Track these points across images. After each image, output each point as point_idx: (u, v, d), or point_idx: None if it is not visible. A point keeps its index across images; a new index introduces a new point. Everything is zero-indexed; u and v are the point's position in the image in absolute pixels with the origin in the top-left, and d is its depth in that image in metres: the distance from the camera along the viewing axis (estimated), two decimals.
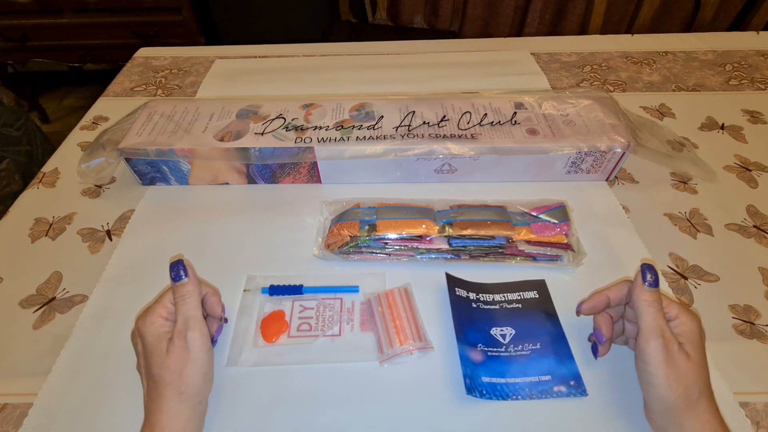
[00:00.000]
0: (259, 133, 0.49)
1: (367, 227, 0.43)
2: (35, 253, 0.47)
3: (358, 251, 0.43)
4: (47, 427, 0.34)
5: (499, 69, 0.73)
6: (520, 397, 0.34)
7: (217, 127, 0.50)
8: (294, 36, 1.54)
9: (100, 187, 0.54)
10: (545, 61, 0.76)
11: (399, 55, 0.78)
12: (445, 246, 0.43)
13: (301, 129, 0.49)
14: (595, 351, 0.36)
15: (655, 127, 0.54)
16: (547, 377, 0.35)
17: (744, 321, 0.40)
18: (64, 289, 0.43)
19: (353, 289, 0.42)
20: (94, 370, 0.37)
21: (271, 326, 0.39)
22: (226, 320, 0.39)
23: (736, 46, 0.79)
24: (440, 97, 0.54)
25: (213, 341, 0.36)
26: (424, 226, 0.43)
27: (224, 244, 0.46)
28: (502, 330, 0.38)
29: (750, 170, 0.54)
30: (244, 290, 0.42)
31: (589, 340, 0.37)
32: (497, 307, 0.40)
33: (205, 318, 0.36)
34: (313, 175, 0.52)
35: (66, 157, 0.59)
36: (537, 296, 0.41)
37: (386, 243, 0.43)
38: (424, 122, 0.50)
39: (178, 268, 0.34)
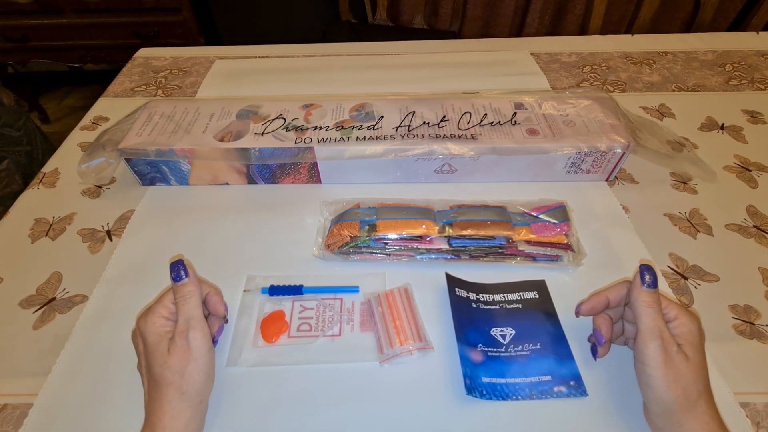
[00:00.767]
0: (259, 134, 0.49)
1: (367, 227, 0.43)
2: (35, 253, 0.47)
3: (358, 251, 0.43)
4: (47, 427, 0.34)
5: (499, 69, 0.73)
6: (520, 397, 0.34)
7: (217, 128, 0.50)
8: (294, 36, 1.54)
9: (100, 187, 0.54)
10: (545, 61, 0.76)
11: (399, 55, 0.78)
12: (445, 246, 0.43)
13: (301, 129, 0.49)
14: (594, 352, 0.36)
15: (655, 128, 0.54)
16: (547, 377, 0.35)
17: (744, 321, 0.40)
18: (64, 289, 0.43)
19: (353, 290, 0.42)
20: (94, 370, 0.37)
21: (271, 326, 0.39)
22: (226, 320, 0.39)
23: (736, 47, 0.79)
24: (440, 98, 0.54)
25: (214, 341, 0.36)
26: (424, 226, 0.43)
27: (224, 244, 0.47)
28: (502, 330, 0.38)
29: (750, 170, 0.55)
30: (244, 290, 0.42)
31: (589, 341, 0.37)
32: (497, 307, 0.40)
33: (206, 318, 0.36)
34: (313, 175, 0.52)
35: (66, 158, 0.59)
36: (537, 296, 0.41)
37: (386, 243, 0.43)
38: (424, 122, 0.50)
39: (178, 269, 0.34)
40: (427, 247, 0.43)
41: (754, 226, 0.48)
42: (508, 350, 0.37)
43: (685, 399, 0.28)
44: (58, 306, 0.42)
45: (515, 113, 0.51)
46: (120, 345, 0.38)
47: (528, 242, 0.42)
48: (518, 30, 1.51)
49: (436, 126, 0.50)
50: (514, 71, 0.73)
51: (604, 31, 1.31)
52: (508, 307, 0.40)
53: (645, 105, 0.66)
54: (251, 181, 0.53)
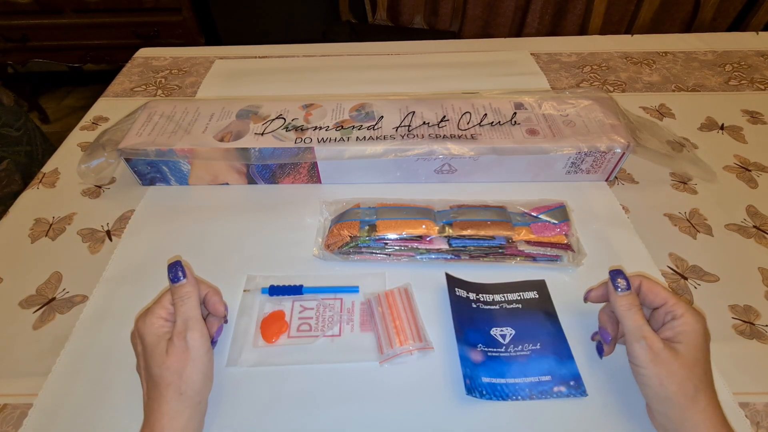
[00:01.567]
0: (259, 134, 0.49)
1: (367, 227, 0.43)
2: (35, 253, 0.47)
3: (358, 251, 0.43)
4: (47, 428, 0.34)
5: (499, 69, 0.73)
6: (520, 397, 0.34)
7: (217, 128, 0.50)
8: (294, 36, 1.54)
9: (100, 187, 0.54)
10: (545, 61, 0.76)
11: (399, 55, 0.78)
12: (445, 246, 0.43)
13: (301, 129, 0.49)
14: (600, 350, 0.36)
15: (655, 128, 0.54)
16: (547, 377, 0.35)
17: (744, 321, 0.40)
18: (64, 289, 0.43)
19: (353, 290, 0.42)
20: (94, 370, 0.37)
21: (271, 326, 0.39)
22: (226, 320, 0.39)
23: (736, 47, 0.79)
24: (440, 98, 0.54)
25: (213, 342, 0.36)
26: (424, 226, 0.43)
27: (224, 244, 0.47)
28: (502, 330, 0.38)
29: (750, 170, 0.55)
30: (244, 290, 0.42)
31: (593, 339, 0.38)
32: (497, 307, 0.40)
33: (205, 318, 0.36)
34: (313, 175, 0.52)
35: (66, 158, 0.59)
36: (537, 296, 0.41)
37: (386, 243, 0.43)
38: (424, 122, 0.50)
39: (176, 270, 0.34)
40: (427, 247, 0.43)
41: (754, 226, 0.48)
42: (508, 350, 0.37)
43: (683, 395, 0.29)
44: (58, 306, 0.42)
45: (515, 113, 0.51)
46: (120, 345, 0.38)
47: (528, 242, 0.42)
48: (518, 30, 1.51)
49: (436, 126, 0.50)
50: (514, 71, 0.73)
51: (604, 31, 1.31)
52: (508, 307, 0.40)
53: (645, 105, 0.66)
54: (251, 181, 0.53)
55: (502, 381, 0.35)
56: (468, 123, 0.50)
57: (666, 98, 0.67)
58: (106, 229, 0.49)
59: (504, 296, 0.41)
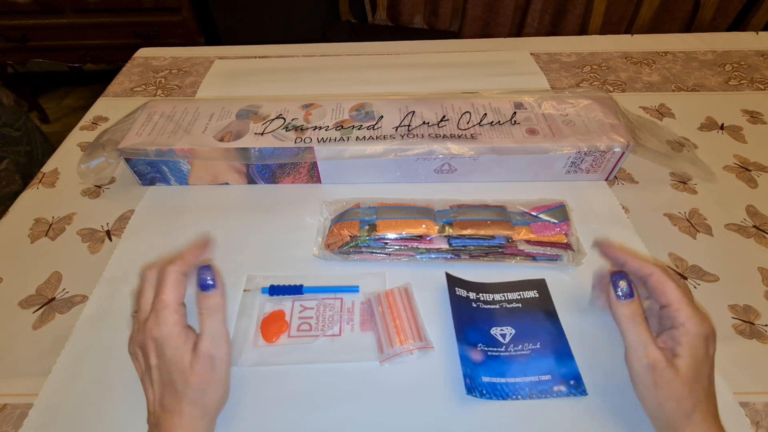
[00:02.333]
0: (259, 133, 0.49)
1: (367, 227, 0.43)
2: (35, 253, 0.47)
3: (358, 251, 0.43)
4: (47, 428, 0.34)
5: (498, 69, 0.73)
6: (520, 396, 0.34)
7: (217, 127, 0.50)
8: (294, 36, 1.54)
9: (99, 187, 0.54)
10: (545, 61, 0.76)
11: (399, 55, 0.78)
12: (445, 246, 0.43)
13: (301, 129, 0.49)
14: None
15: (655, 127, 0.54)
16: (547, 377, 0.35)
17: (744, 321, 0.40)
18: (63, 289, 0.43)
19: (353, 289, 0.42)
20: (94, 370, 0.37)
21: (272, 326, 0.39)
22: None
23: (736, 47, 0.79)
24: (440, 97, 0.54)
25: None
26: (424, 226, 0.43)
27: (224, 244, 0.46)
28: (502, 330, 0.38)
29: (749, 170, 0.55)
30: (244, 290, 0.42)
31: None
32: (497, 306, 0.40)
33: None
34: (313, 175, 0.52)
35: (66, 157, 0.59)
36: (537, 296, 0.41)
37: (386, 243, 0.43)
38: (423, 122, 0.50)
39: (205, 276, 0.29)
40: (427, 247, 0.43)
41: (754, 226, 0.48)
42: (508, 350, 0.37)
43: (680, 413, 0.28)
44: (57, 306, 0.42)
45: (515, 113, 0.51)
46: (120, 345, 0.38)
47: (528, 242, 0.42)
48: (518, 30, 1.51)
49: (436, 126, 0.50)
50: (514, 71, 0.73)
51: (604, 31, 1.31)
52: (508, 306, 0.40)
53: (645, 105, 0.66)
54: (251, 181, 0.53)
55: (502, 380, 0.35)
56: (468, 123, 0.50)
57: (666, 98, 0.67)
58: (105, 229, 0.49)
59: (504, 296, 0.41)
